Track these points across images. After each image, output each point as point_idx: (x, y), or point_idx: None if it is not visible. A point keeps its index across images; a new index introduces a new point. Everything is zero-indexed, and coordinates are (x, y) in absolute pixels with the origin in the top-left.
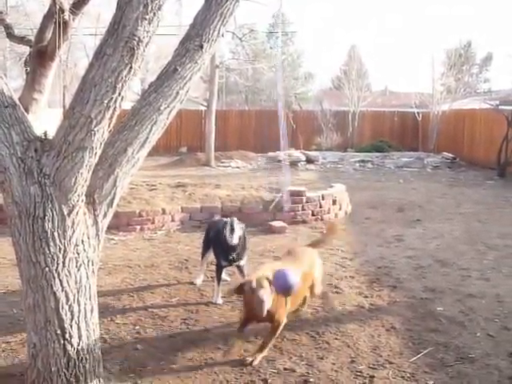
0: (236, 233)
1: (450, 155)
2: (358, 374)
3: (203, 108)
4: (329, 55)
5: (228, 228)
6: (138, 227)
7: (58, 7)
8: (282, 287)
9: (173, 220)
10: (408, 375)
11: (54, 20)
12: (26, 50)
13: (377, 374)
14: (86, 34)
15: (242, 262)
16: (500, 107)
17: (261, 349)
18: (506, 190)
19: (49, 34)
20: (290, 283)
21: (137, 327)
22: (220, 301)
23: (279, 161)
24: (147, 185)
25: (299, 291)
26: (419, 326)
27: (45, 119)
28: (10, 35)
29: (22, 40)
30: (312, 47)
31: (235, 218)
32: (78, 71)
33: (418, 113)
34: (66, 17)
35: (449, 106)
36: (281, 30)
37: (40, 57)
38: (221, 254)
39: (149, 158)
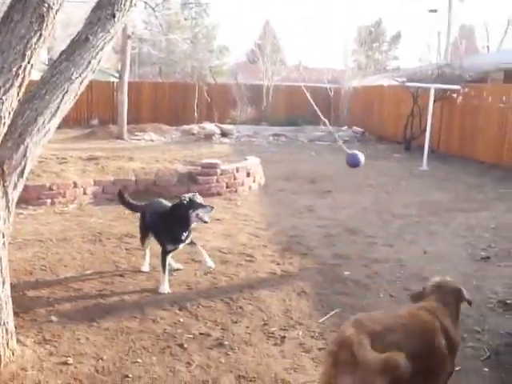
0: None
1: (360, 129)
2: (270, 335)
3: (115, 80)
4: (243, 29)
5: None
6: (49, 201)
7: None
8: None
9: (85, 193)
10: (317, 335)
11: None
12: None
13: (288, 335)
14: None
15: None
16: (406, 84)
17: None
18: (411, 162)
19: None
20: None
21: (50, 300)
22: (167, 290)
23: (193, 134)
24: (57, 158)
25: None
26: (328, 290)
27: None
28: None
29: None
30: (227, 20)
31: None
32: None
33: (330, 88)
34: None
35: (359, 82)
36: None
37: None
38: (166, 238)
39: (58, 130)
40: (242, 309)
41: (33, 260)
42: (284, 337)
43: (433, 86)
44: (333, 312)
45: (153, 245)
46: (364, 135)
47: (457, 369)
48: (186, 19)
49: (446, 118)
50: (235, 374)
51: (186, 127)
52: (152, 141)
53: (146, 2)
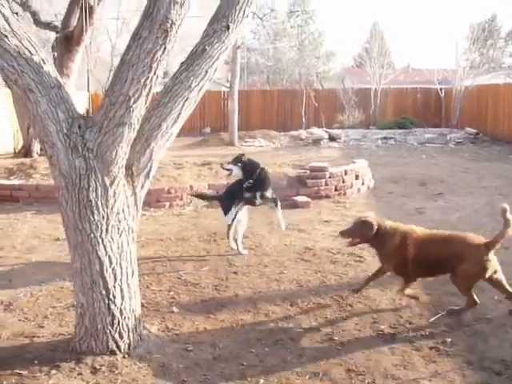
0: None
1: (473, 130)
2: (380, 332)
3: (225, 89)
4: (350, 33)
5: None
6: (168, 203)
7: None
8: None
9: None
10: (427, 334)
11: (80, 6)
12: (50, 35)
13: (397, 333)
14: (108, 18)
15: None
16: None
17: None
18: None
19: (74, 20)
20: None
21: (171, 293)
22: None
23: (301, 139)
24: (174, 163)
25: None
26: (438, 291)
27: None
28: (37, 21)
29: (48, 26)
30: (333, 25)
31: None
32: (101, 55)
33: (440, 89)
34: (91, 2)
35: (472, 81)
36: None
37: (66, 42)
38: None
39: (174, 138)
40: (352, 306)
41: (154, 257)
42: (394, 334)
43: None
44: (443, 312)
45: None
46: (477, 136)
47: None
48: (292, 27)
49: None
50: (345, 368)
51: (294, 133)
52: (261, 146)
53: (254, 13)
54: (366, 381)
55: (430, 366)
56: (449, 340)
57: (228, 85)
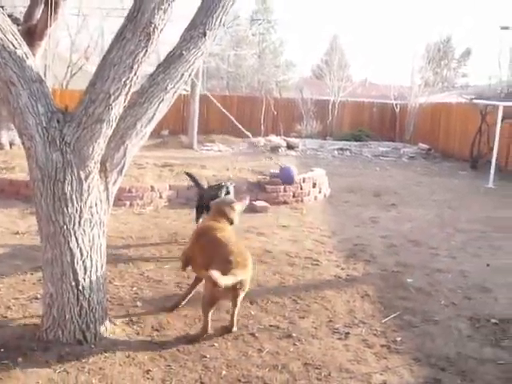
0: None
1: (426, 146)
2: (335, 330)
3: (185, 92)
4: (310, 44)
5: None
6: (128, 202)
7: None
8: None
9: (161, 197)
10: (379, 333)
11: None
12: None
13: (351, 331)
14: (70, 14)
15: None
16: (474, 101)
17: None
18: (477, 180)
19: (38, 13)
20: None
21: (134, 288)
22: None
23: (259, 146)
24: (135, 164)
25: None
26: (390, 294)
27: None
28: None
29: (8, 18)
30: (294, 36)
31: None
32: (59, 51)
33: (396, 104)
34: None
35: (426, 98)
36: (263, 17)
37: (29, 36)
38: None
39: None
40: (309, 306)
41: (116, 254)
42: (348, 333)
43: (502, 104)
44: (395, 314)
45: None
46: (429, 152)
47: None
48: (254, 35)
49: None
50: (302, 362)
51: (252, 139)
52: (220, 151)
53: None
54: (323, 374)
55: (381, 362)
56: (399, 339)
57: (188, 88)
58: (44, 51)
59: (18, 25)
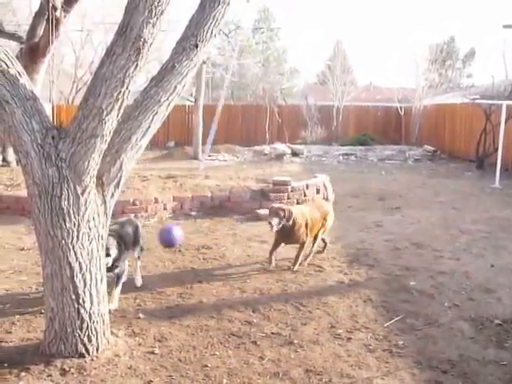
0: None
1: (432, 148)
2: (337, 336)
3: (189, 103)
4: (314, 51)
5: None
6: (132, 215)
7: (50, 5)
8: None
9: (165, 208)
10: (381, 337)
11: (46, 17)
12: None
13: (353, 336)
14: (73, 30)
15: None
16: (477, 101)
17: (296, 260)
18: (482, 180)
19: (40, 31)
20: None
21: (137, 300)
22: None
23: (264, 154)
24: (139, 176)
25: (315, 225)
26: (393, 298)
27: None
28: (0, 32)
29: (12, 36)
30: (297, 43)
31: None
32: (64, 67)
33: (400, 107)
34: (58, 14)
35: (430, 100)
36: (265, 25)
37: (32, 53)
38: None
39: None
40: (311, 312)
41: None
42: (350, 338)
43: (505, 103)
44: (397, 318)
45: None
46: (435, 154)
47: None
48: (257, 43)
49: None
50: (304, 368)
51: (257, 148)
52: (225, 161)
53: (220, 29)
54: (324, 380)
55: (383, 366)
56: (401, 343)
57: (192, 99)
58: (48, 67)
59: (21, 43)
